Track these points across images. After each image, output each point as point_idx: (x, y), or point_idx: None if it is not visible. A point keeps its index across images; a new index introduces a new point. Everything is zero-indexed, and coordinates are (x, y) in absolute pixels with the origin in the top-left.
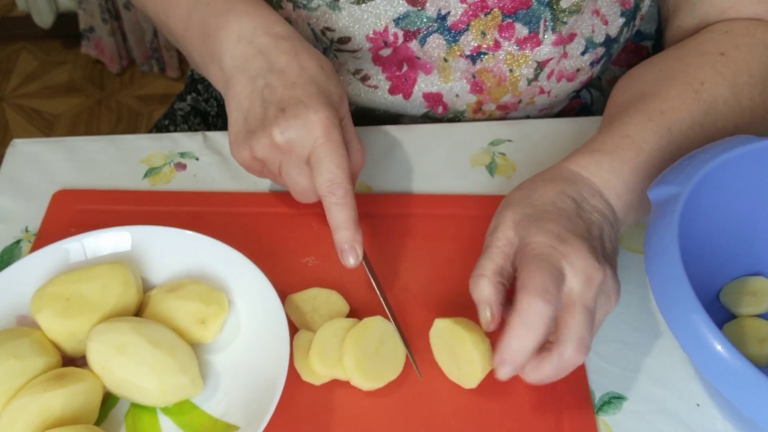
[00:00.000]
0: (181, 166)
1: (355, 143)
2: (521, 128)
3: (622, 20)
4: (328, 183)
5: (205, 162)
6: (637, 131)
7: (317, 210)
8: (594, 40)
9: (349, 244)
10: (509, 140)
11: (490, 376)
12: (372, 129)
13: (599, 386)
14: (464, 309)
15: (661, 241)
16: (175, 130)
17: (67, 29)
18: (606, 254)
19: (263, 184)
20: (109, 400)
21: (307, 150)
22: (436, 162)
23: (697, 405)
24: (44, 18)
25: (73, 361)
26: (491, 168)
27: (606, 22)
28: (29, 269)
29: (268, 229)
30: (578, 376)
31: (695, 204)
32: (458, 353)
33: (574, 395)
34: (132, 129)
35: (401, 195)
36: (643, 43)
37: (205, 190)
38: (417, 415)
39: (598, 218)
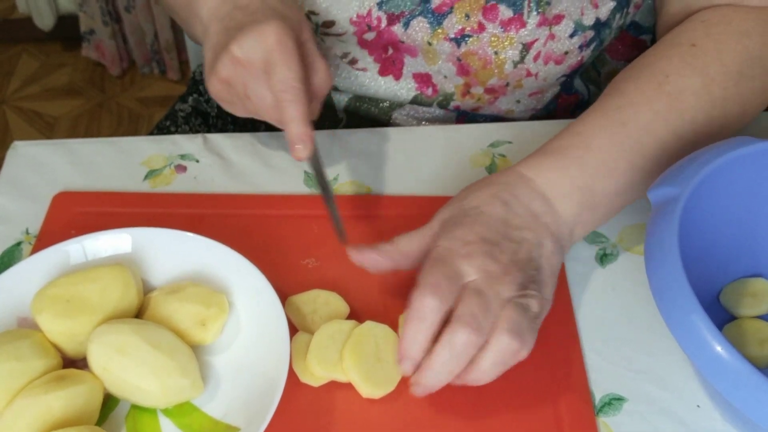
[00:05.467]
0: (181, 168)
1: (319, 63)
2: (521, 130)
3: (612, 4)
4: (280, 84)
5: (206, 164)
6: (589, 129)
7: (318, 212)
8: (583, 22)
9: (299, 137)
10: (509, 142)
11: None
12: (372, 131)
13: (599, 387)
14: None
15: (661, 242)
16: (176, 131)
17: (67, 32)
18: (519, 259)
19: (264, 186)
20: (109, 401)
21: (263, 59)
22: (436, 163)
23: (698, 406)
24: (45, 20)
25: (74, 362)
26: (491, 169)
27: (596, 5)
28: (30, 271)
29: (269, 231)
30: (578, 377)
31: (695, 205)
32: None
33: (574, 397)
34: (132, 131)
35: (402, 197)
36: (641, 36)
37: (205, 192)
38: (417, 416)
39: (528, 222)
